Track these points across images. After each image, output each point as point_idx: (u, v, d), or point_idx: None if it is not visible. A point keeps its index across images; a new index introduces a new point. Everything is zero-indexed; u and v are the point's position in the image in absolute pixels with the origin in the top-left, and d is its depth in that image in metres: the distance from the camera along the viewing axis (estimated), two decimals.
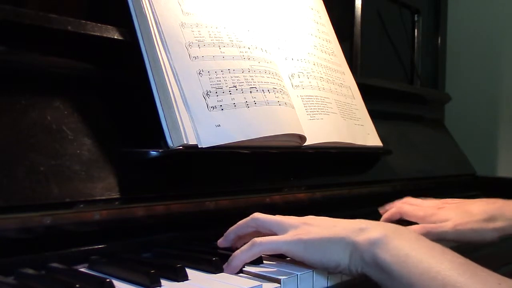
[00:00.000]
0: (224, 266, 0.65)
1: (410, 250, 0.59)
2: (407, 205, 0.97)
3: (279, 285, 0.61)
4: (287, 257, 0.70)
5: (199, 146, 0.75)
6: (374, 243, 0.60)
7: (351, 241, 0.62)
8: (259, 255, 0.67)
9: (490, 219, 0.89)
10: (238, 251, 0.66)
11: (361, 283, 0.67)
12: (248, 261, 0.65)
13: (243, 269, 0.66)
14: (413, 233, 0.64)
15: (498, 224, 0.89)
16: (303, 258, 0.64)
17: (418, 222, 0.98)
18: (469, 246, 0.88)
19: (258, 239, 0.66)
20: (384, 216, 0.98)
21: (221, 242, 0.74)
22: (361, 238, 0.62)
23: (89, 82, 0.78)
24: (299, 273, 0.64)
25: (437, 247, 0.61)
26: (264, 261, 0.70)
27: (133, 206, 0.73)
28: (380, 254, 0.59)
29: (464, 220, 0.88)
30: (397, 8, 1.60)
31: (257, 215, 0.71)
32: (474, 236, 0.88)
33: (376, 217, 0.97)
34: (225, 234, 0.73)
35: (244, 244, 0.68)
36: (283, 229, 0.68)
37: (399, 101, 1.47)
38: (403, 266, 0.58)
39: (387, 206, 1.00)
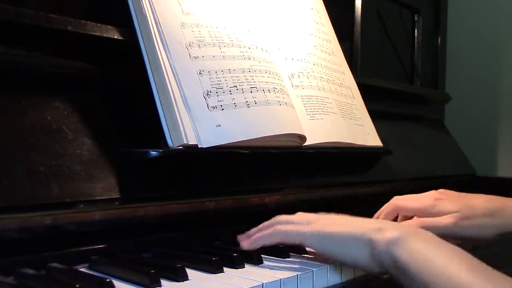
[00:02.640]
0: (240, 238, 0.72)
1: (428, 251, 0.61)
2: (401, 200, 0.94)
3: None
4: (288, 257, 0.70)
5: (199, 146, 0.75)
6: (392, 242, 0.62)
7: (370, 239, 0.64)
8: (278, 242, 0.71)
9: (491, 215, 0.87)
10: (259, 235, 0.71)
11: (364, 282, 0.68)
12: (267, 245, 0.70)
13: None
14: (430, 234, 0.65)
15: (499, 220, 0.88)
16: (322, 250, 0.68)
17: (417, 215, 0.95)
18: (467, 246, 0.88)
19: (281, 228, 0.70)
20: (380, 216, 0.95)
21: (245, 247, 0.73)
22: (380, 237, 0.63)
23: (89, 82, 0.78)
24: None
25: (454, 248, 0.62)
26: (264, 261, 0.70)
27: (133, 206, 0.73)
28: (398, 254, 0.61)
29: (466, 215, 0.86)
30: (397, 8, 1.60)
31: (278, 229, 0.71)
32: (474, 231, 0.86)
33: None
34: (251, 241, 0.73)
35: None
36: (305, 222, 0.70)
37: (399, 101, 1.47)
38: (420, 266, 0.59)
39: (377, 214, 0.96)
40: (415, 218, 0.90)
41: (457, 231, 0.86)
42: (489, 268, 0.59)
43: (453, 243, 0.63)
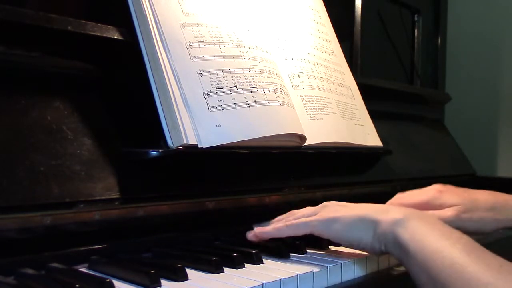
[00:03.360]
0: (255, 229, 0.77)
1: (427, 230, 0.64)
2: (405, 195, 0.94)
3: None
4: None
5: (199, 146, 0.75)
6: (395, 222, 0.66)
7: (375, 219, 0.68)
8: (291, 235, 0.75)
9: (494, 209, 0.88)
10: (271, 228, 0.76)
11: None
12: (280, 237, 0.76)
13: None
14: (432, 217, 0.69)
15: (501, 215, 0.88)
16: (329, 234, 0.72)
17: (420, 209, 0.94)
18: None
19: (293, 222, 0.75)
20: None
21: (252, 237, 0.78)
22: (384, 217, 0.67)
23: (89, 82, 0.78)
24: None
25: (453, 231, 0.65)
26: (264, 261, 0.70)
27: (133, 206, 0.73)
28: (400, 233, 0.65)
29: (468, 208, 0.87)
30: (397, 8, 1.60)
31: (291, 221, 0.76)
32: (475, 225, 0.86)
33: None
34: (260, 232, 0.78)
35: None
36: (313, 213, 0.75)
37: (399, 101, 1.47)
38: (418, 245, 0.63)
39: None
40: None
41: (458, 224, 0.85)
42: (486, 251, 0.61)
43: None
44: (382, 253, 0.69)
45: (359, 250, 0.72)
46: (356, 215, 0.71)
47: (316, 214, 0.75)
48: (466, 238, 0.63)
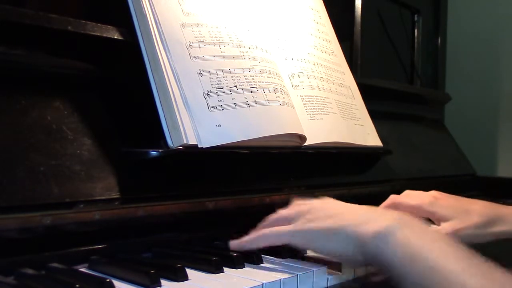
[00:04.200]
0: (230, 243, 0.71)
1: (415, 242, 0.58)
2: (399, 197, 0.93)
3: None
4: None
5: (199, 146, 0.75)
6: (377, 236, 0.60)
7: (353, 232, 0.62)
8: (264, 246, 0.70)
9: (490, 222, 0.87)
10: (245, 240, 0.70)
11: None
12: (253, 250, 0.69)
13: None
14: (419, 223, 0.63)
15: (497, 228, 0.87)
16: (308, 247, 0.68)
17: (414, 213, 0.94)
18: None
19: (264, 231, 0.69)
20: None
21: (235, 247, 0.72)
22: (364, 229, 0.61)
23: (89, 82, 0.78)
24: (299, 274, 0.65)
25: (442, 238, 0.60)
26: (265, 261, 0.70)
27: (133, 206, 0.73)
28: (384, 246, 0.59)
29: (465, 223, 0.86)
30: (397, 8, 1.60)
31: (264, 233, 0.70)
32: (472, 239, 0.85)
33: None
34: (240, 243, 0.72)
35: None
36: (290, 220, 0.69)
37: (399, 101, 1.47)
38: (406, 260, 0.57)
39: None
40: None
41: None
42: (474, 256, 0.57)
43: None
44: (366, 265, 0.65)
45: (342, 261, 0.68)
46: (334, 226, 0.64)
47: (294, 215, 0.70)
48: (454, 246, 0.58)
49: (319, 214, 0.67)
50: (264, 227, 0.72)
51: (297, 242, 0.67)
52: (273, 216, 0.73)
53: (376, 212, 0.67)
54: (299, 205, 0.72)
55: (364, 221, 0.63)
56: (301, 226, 0.67)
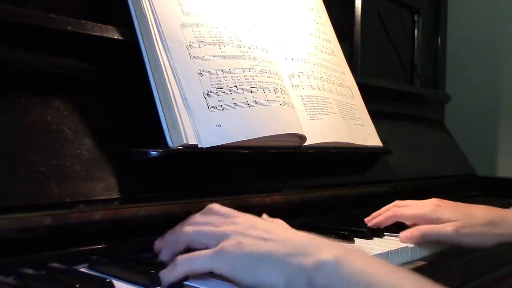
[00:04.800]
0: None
1: (366, 275, 0.52)
2: (402, 208, 0.93)
3: None
4: None
5: (200, 146, 0.75)
6: (324, 267, 0.53)
7: (292, 264, 0.54)
8: (184, 275, 0.58)
9: (492, 224, 0.87)
10: (163, 271, 0.58)
11: None
12: (175, 281, 0.57)
13: None
14: (366, 254, 0.57)
15: (499, 230, 0.87)
16: (232, 276, 0.56)
17: (417, 222, 0.96)
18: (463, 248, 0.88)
19: (180, 258, 0.58)
20: (379, 220, 0.94)
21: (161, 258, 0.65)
22: (308, 261, 0.54)
23: (89, 82, 0.78)
24: None
25: (395, 269, 0.55)
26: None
27: (133, 206, 0.73)
28: (335, 280, 0.52)
29: (466, 223, 0.86)
30: (397, 8, 1.60)
31: (182, 230, 0.63)
32: (474, 240, 0.86)
33: None
34: (159, 253, 0.66)
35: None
36: (214, 242, 0.59)
37: (399, 101, 1.47)
38: None
39: (375, 214, 0.96)
40: (417, 226, 0.89)
41: (457, 239, 0.85)
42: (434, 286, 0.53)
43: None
44: None
45: None
46: (263, 252, 0.55)
47: (215, 235, 0.59)
48: (411, 277, 0.54)
49: (254, 234, 0.58)
50: (174, 243, 0.64)
51: (222, 268, 0.56)
52: (187, 238, 0.62)
53: (318, 241, 0.57)
54: (218, 216, 0.62)
55: (307, 250, 0.55)
56: (230, 250, 0.56)
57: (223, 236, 0.58)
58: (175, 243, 0.64)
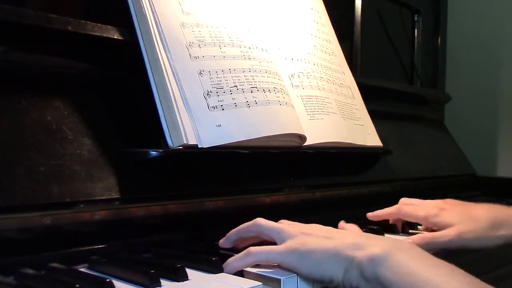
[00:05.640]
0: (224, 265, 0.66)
1: (414, 267, 0.57)
2: (406, 206, 0.94)
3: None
4: None
5: (200, 146, 0.75)
6: (374, 259, 0.59)
7: (348, 256, 0.61)
8: (253, 265, 0.65)
9: (495, 226, 0.87)
10: (232, 258, 0.66)
11: None
12: (242, 269, 0.65)
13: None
14: (415, 248, 0.62)
15: (503, 232, 0.87)
16: (297, 269, 0.63)
17: (419, 223, 0.96)
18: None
19: (253, 249, 0.65)
20: (377, 213, 0.95)
21: (222, 243, 0.74)
22: (360, 254, 0.60)
23: (89, 82, 0.78)
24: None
25: (441, 263, 0.59)
26: None
27: (133, 206, 0.73)
28: (382, 272, 0.58)
29: (469, 227, 0.86)
30: (397, 8, 1.60)
31: (259, 221, 0.71)
32: (478, 243, 0.86)
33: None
34: (226, 235, 0.74)
35: (246, 246, 0.68)
36: (281, 238, 0.67)
37: (399, 101, 1.47)
38: (406, 285, 0.56)
39: (378, 212, 0.97)
40: (420, 234, 0.90)
41: (461, 243, 0.85)
42: (481, 283, 0.56)
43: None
44: None
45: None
46: (326, 249, 0.62)
47: (284, 234, 0.67)
48: (456, 271, 0.58)
49: (316, 235, 0.65)
50: (236, 235, 0.72)
51: (290, 262, 0.64)
52: (259, 228, 0.70)
53: (370, 237, 0.65)
54: (280, 226, 0.69)
55: (360, 245, 0.61)
56: (296, 246, 0.64)
57: (291, 235, 0.66)
58: (246, 231, 0.72)
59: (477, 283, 0.56)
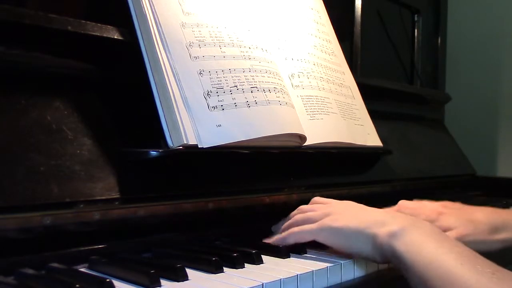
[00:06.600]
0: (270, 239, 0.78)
1: (423, 242, 0.65)
2: (405, 209, 0.93)
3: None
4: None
5: (200, 146, 0.75)
6: (392, 235, 0.67)
7: (372, 233, 0.69)
8: (293, 243, 0.76)
9: (494, 229, 0.87)
10: (276, 238, 0.77)
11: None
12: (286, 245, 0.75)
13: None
14: (429, 226, 0.70)
15: (502, 235, 0.87)
16: (331, 243, 0.73)
17: None
18: None
19: (293, 230, 0.76)
20: None
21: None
22: (382, 230, 0.68)
23: (89, 82, 0.78)
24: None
25: (448, 239, 0.67)
26: (265, 261, 0.70)
27: (133, 206, 0.73)
28: (397, 246, 0.66)
29: (468, 230, 0.86)
30: (397, 8, 1.60)
31: (296, 216, 0.80)
32: (478, 247, 0.84)
33: None
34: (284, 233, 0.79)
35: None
36: (316, 219, 0.76)
37: (399, 101, 1.47)
38: (414, 256, 0.64)
39: None
40: None
41: None
42: (480, 258, 0.62)
43: None
44: (384, 262, 0.71)
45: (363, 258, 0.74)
46: (355, 228, 0.71)
47: (320, 216, 0.76)
48: (460, 246, 0.65)
49: (345, 214, 0.75)
50: (291, 225, 0.78)
51: (322, 238, 0.73)
52: (299, 215, 0.79)
53: (393, 215, 0.72)
54: (321, 204, 0.80)
55: (382, 222, 0.70)
56: (329, 224, 0.73)
57: (323, 215, 0.76)
58: (287, 239, 0.78)
59: (472, 256, 0.63)
